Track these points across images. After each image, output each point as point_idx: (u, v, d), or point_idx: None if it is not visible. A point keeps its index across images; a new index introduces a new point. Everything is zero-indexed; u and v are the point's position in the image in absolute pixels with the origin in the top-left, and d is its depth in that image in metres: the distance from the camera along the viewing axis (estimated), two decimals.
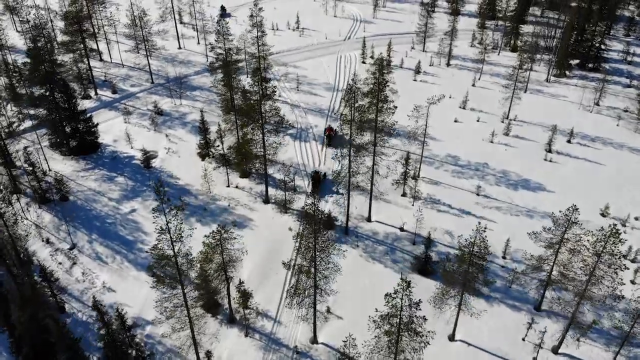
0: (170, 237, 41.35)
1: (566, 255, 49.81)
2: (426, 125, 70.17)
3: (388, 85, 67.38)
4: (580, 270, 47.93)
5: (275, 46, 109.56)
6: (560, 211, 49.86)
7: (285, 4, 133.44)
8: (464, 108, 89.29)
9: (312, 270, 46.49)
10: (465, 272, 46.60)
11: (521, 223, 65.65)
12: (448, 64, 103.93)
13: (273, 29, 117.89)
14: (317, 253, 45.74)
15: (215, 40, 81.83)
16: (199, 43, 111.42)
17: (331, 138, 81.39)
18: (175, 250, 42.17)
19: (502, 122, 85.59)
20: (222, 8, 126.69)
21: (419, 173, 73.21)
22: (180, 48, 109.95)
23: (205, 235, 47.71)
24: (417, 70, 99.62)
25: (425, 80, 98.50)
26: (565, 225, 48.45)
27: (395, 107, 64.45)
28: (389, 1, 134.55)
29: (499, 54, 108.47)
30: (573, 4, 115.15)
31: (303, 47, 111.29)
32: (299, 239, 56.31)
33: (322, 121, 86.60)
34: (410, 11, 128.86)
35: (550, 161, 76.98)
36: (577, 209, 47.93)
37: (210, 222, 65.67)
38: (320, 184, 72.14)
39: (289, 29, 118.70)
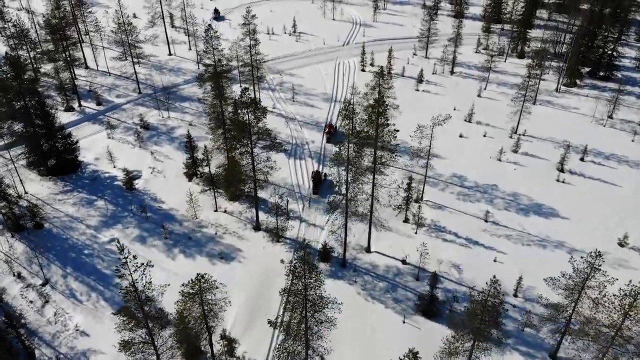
0: (139, 298, 35.71)
1: (587, 304, 44.22)
2: (430, 146, 64.28)
3: (388, 106, 62.10)
4: (605, 327, 42.28)
5: (271, 52, 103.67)
6: (581, 257, 44.11)
7: (282, 6, 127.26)
8: (469, 121, 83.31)
9: (303, 329, 40.73)
10: (477, 330, 40.95)
11: (533, 254, 59.90)
12: (452, 72, 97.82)
13: (268, 33, 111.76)
14: (309, 313, 40.01)
15: (204, 51, 75.94)
16: (190, 49, 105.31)
17: (331, 135, 79.60)
18: (145, 312, 36.55)
19: (511, 137, 79.66)
20: (216, 11, 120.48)
21: (422, 196, 67.48)
22: (170, 54, 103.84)
23: (182, 284, 41.99)
24: (420, 79, 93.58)
25: (427, 90, 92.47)
26: (586, 272, 42.75)
27: (397, 131, 58.48)
28: (389, 3, 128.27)
29: (505, 61, 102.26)
30: (584, 6, 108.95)
31: (300, 53, 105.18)
32: (286, 296, 49.60)
33: (319, 136, 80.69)
34: (412, 14, 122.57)
35: (563, 182, 71.11)
36: (600, 255, 42.23)
37: (195, 252, 59.98)
38: (320, 184, 69.94)
39: (285, 33, 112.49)
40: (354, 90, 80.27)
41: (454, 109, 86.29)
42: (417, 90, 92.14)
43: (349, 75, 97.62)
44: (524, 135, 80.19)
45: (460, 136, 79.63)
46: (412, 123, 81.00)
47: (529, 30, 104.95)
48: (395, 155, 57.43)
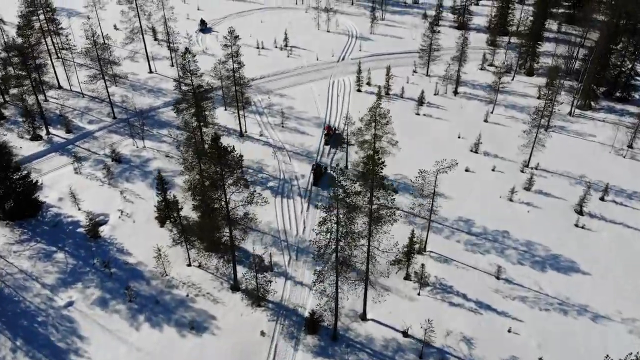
0: None
1: None
2: (434, 195, 55.45)
3: (386, 149, 53.32)
4: None
5: (260, 69, 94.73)
6: None
7: (273, 15, 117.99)
8: (476, 151, 74.46)
9: None
10: None
11: (553, 322, 51.17)
12: (456, 92, 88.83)
13: (258, 47, 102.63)
14: None
15: (180, 77, 67.16)
16: (172, 65, 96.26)
17: (330, 137, 76.97)
18: None
19: (522, 171, 70.84)
20: (202, 22, 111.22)
21: (425, 246, 58.84)
22: (151, 72, 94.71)
23: None
24: (420, 101, 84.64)
25: (429, 113, 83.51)
26: None
27: (396, 192, 49.46)
28: (388, 13, 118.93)
29: (513, 79, 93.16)
30: (598, 17, 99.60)
31: (291, 70, 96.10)
32: None
33: (308, 168, 71.86)
34: (412, 25, 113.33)
35: (583, 227, 62.36)
36: None
37: (163, 321, 51.14)
38: (321, 177, 69.24)
39: (276, 47, 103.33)
40: (348, 119, 71.28)
41: (459, 137, 77.43)
42: (418, 114, 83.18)
43: (344, 96, 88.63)
44: (536, 168, 71.39)
45: (467, 170, 70.75)
46: (413, 153, 73.05)
47: (539, 44, 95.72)
48: (393, 198, 48.51)
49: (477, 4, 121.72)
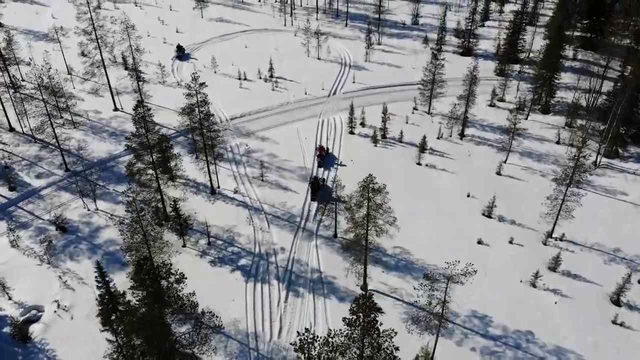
0: None
1: None
2: (444, 304, 42.83)
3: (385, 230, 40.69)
4: None
5: (240, 106, 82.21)
6: None
7: (259, 39, 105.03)
8: (489, 215, 61.91)
9: None
10: None
11: None
12: (462, 135, 76.24)
13: (240, 79, 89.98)
14: None
15: (134, 134, 55.20)
16: (141, 100, 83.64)
17: (322, 158, 71.37)
18: None
19: (545, 243, 58.42)
20: (179, 48, 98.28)
21: (432, 357, 46.38)
22: (116, 109, 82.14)
23: None
24: (422, 148, 72.06)
25: (432, 163, 70.80)
26: None
27: (397, 349, 36.73)
28: (385, 36, 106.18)
29: (527, 118, 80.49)
30: (621, 43, 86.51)
31: (275, 106, 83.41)
32: None
33: (290, 238, 59.28)
34: (411, 50, 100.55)
35: (621, 325, 49.86)
36: None
37: None
38: (319, 190, 64.73)
39: (260, 78, 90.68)
40: (336, 183, 58.54)
41: (468, 195, 64.83)
42: (419, 163, 70.53)
43: (334, 140, 76.03)
44: (561, 239, 58.92)
45: (479, 243, 58.32)
46: (414, 218, 60.44)
47: (557, 77, 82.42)
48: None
49: (482, 25, 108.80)
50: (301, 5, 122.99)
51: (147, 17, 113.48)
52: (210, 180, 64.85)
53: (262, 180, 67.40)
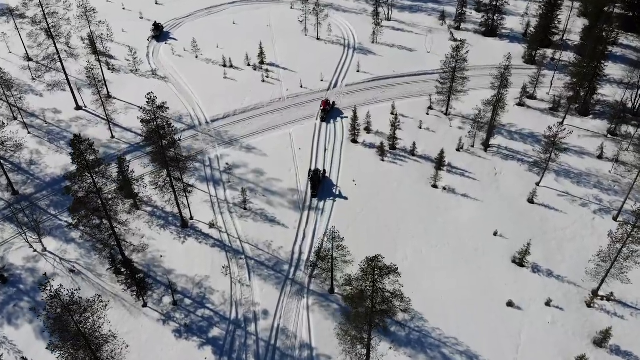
0: None
1: None
2: None
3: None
4: None
5: (222, 104, 68.13)
6: None
7: (249, 14, 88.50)
8: (520, 264, 49.22)
9: None
10: None
11: None
12: (487, 147, 62.26)
13: (225, 66, 75.09)
14: None
15: (74, 176, 42.46)
16: (109, 96, 69.45)
17: (326, 113, 66.21)
18: None
19: (590, 305, 46.03)
20: (157, 27, 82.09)
21: None
22: (78, 108, 68.20)
23: None
24: (439, 164, 58.47)
25: (451, 186, 57.10)
26: None
27: None
28: (396, 9, 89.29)
29: (562, 123, 65.97)
30: None
31: (265, 104, 68.99)
32: None
33: (275, 295, 46.94)
34: (425, 28, 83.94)
35: None
36: None
37: None
38: (320, 184, 56.30)
39: (249, 65, 75.72)
40: (332, 234, 44.85)
41: (495, 234, 51.95)
42: (435, 186, 57.14)
43: (334, 151, 62.39)
44: (609, 299, 46.49)
45: (510, 305, 45.94)
46: (426, 266, 48.00)
47: (602, 66, 65.11)
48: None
49: None
50: None
51: None
52: (181, 213, 52.09)
53: (245, 209, 54.56)
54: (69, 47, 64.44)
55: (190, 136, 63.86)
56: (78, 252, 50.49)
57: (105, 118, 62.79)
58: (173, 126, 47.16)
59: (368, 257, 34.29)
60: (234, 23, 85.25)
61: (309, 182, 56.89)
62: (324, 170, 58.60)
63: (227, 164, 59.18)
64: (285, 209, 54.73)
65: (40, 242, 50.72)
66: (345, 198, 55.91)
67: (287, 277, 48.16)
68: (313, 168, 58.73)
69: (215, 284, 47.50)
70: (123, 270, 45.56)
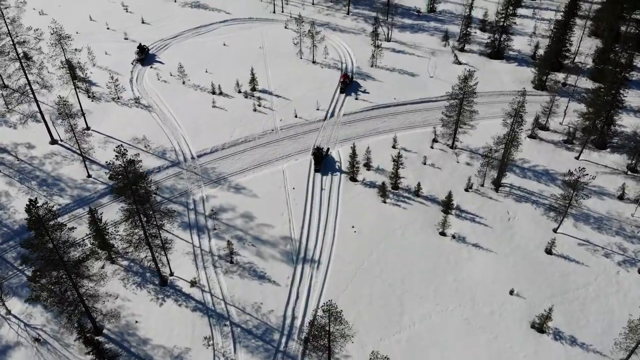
0: None
1: None
2: None
3: None
4: None
5: (210, 137, 61.60)
6: None
7: (242, 33, 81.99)
8: (540, 329, 42.86)
9: None
10: None
11: None
12: (498, 187, 55.88)
13: (214, 93, 68.57)
14: None
15: (32, 244, 36.16)
16: (88, 128, 62.96)
17: (346, 85, 68.85)
18: None
19: None
20: (141, 49, 74.89)
21: None
22: (54, 142, 61.58)
23: None
24: (447, 207, 52.11)
25: (461, 234, 50.50)
26: None
27: None
28: (396, 28, 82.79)
29: (579, 157, 59.71)
30: None
31: (256, 136, 62.33)
32: None
33: None
34: (428, 50, 77.17)
35: None
36: None
37: None
38: (322, 160, 58.19)
39: (239, 92, 69.16)
40: (330, 308, 38.15)
41: (511, 292, 45.56)
42: (444, 233, 50.70)
43: (331, 192, 55.98)
44: None
45: None
46: (436, 331, 41.47)
47: (622, 95, 58.29)
48: None
49: (514, 14, 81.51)
50: None
51: (109, 1, 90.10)
52: (159, 270, 45.56)
53: (231, 262, 48.09)
54: (42, 79, 57.68)
55: (174, 174, 57.33)
56: (44, 317, 43.90)
57: (81, 155, 56.21)
58: (149, 179, 40.69)
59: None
60: (224, 44, 78.53)
61: (312, 158, 58.51)
62: (328, 149, 59.99)
63: (212, 209, 52.59)
64: (277, 262, 48.25)
65: (3, 304, 44.25)
66: (344, 249, 49.51)
67: (277, 349, 41.71)
68: (315, 147, 60.09)
69: (196, 357, 41.03)
70: (90, 347, 39.01)
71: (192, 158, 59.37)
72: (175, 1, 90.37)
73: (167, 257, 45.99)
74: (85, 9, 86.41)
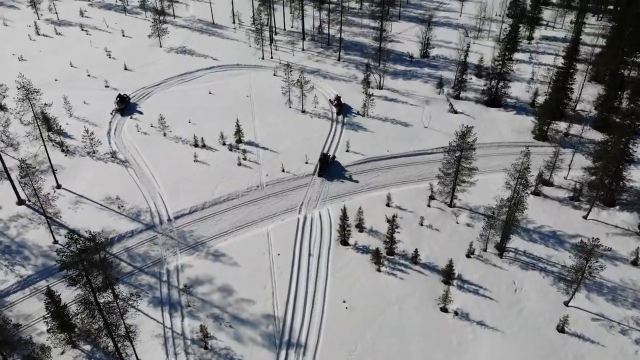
0: None
1: None
2: None
3: None
4: None
5: (190, 195, 56.42)
6: None
7: (229, 81, 77.57)
8: None
9: None
10: None
11: None
12: (502, 252, 50.70)
13: (197, 145, 63.83)
14: None
15: None
16: (58, 186, 57.86)
17: (341, 107, 69.38)
18: None
19: None
20: (122, 99, 70.52)
21: None
22: (21, 202, 56.16)
23: None
24: (448, 277, 46.74)
25: (464, 310, 44.64)
26: None
27: None
28: (388, 75, 79.03)
29: (587, 217, 54.79)
30: None
31: (240, 193, 57.38)
32: None
33: None
34: (422, 98, 73.25)
35: None
36: None
37: None
38: (327, 166, 58.39)
39: (224, 144, 64.57)
40: None
41: None
42: (445, 309, 44.95)
43: (320, 257, 50.69)
44: None
45: None
46: None
47: (631, 150, 53.70)
48: None
49: (510, 59, 74.14)
50: (284, 29, 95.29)
51: (92, 46, 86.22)
52: None
53: (206, 348, 42.22)
54: (7, 137, 52.77)
55: (147, 239, 51.77)
56: None
57: (46, 220, 50.77)
58: (109, 261, 35.22)
59: None
60: (209, 92, 74.34)
61: (318, 163, 59.22)
62: (334, 156, 61.18)
63: (185, 285, 46.90)
64: (258, 347, 42.29)
65: None
66: (334, 325, 43.69)
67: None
68: (322, 152, 60.96)
69: None
70: None
71: (169, 220, 53.93)
72: (161, 46, 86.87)
73: (132, 347, 40.09)
74: (67, 54, 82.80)
